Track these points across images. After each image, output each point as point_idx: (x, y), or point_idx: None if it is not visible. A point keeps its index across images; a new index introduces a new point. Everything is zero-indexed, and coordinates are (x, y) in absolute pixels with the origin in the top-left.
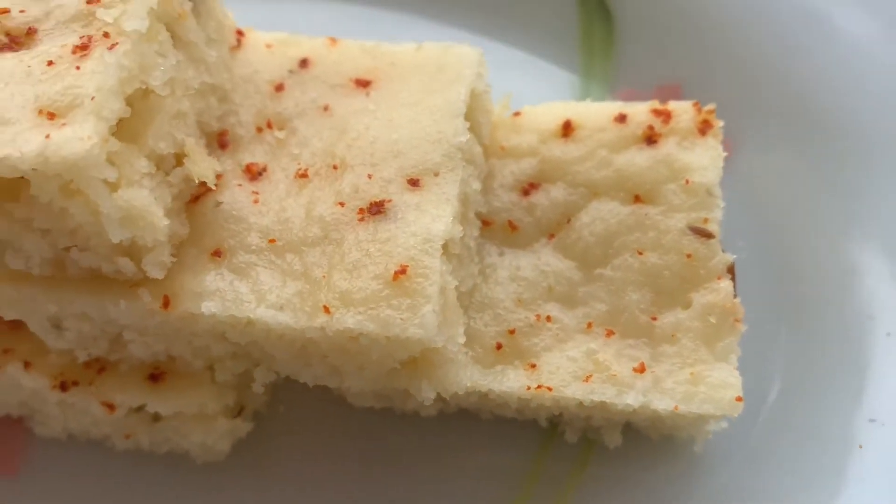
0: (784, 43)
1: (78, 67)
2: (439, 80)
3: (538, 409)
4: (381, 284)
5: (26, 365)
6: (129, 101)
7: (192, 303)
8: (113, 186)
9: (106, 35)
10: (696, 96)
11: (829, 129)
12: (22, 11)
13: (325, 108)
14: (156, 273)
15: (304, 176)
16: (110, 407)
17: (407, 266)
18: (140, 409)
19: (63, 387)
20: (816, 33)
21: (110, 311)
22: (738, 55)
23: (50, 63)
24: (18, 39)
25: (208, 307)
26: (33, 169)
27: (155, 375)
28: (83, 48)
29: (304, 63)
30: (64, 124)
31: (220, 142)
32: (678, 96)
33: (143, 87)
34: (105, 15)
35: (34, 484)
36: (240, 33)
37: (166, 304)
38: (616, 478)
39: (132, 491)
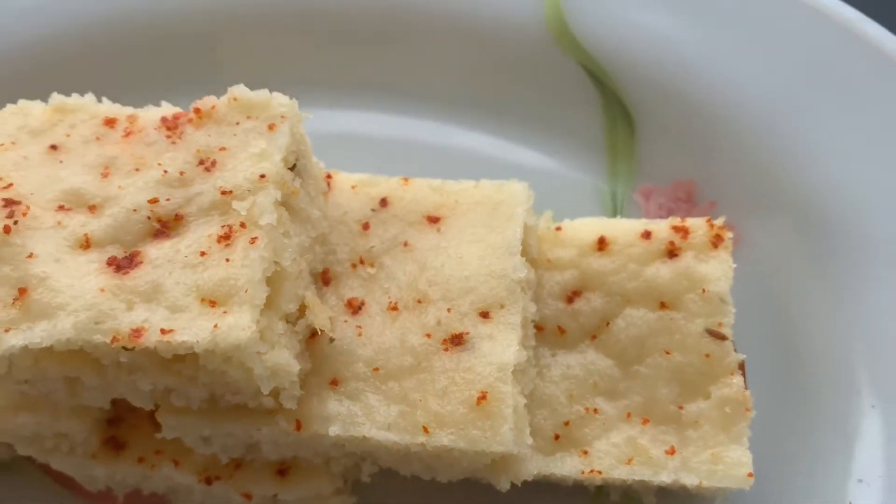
0: (790, 144)
1: (228, 260)
2: (496, 217)
3: (590, 482)
4: (467, 409)
5: (175, 463)
6: (267, 281)
7: (319, 426)
8: (262, 353)
9: (243, 225)
10: (707, 189)
11: (832, 226)
12: (168, 200)
13: (405, 245)
14: (290, 405)
15: (394, 309)
16: (248, 496)
17: (486, 392)
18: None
19: (208, 481)
20: (821, 136)
21: (253, 435)
22: (745, 155)
23: (202, 253)
24: (168, 225)
25: (333, 430)
26: (205, 350)
27: (282, 470)
28: (226, 238)
29: (383, 202)
30: (225, 312)
31: (323, 279)
32: (692, 189)
33: (277, 267)
34: (239, 207)
35: None
36: (328, 176)
37: (298, 427)
38: None
39: None
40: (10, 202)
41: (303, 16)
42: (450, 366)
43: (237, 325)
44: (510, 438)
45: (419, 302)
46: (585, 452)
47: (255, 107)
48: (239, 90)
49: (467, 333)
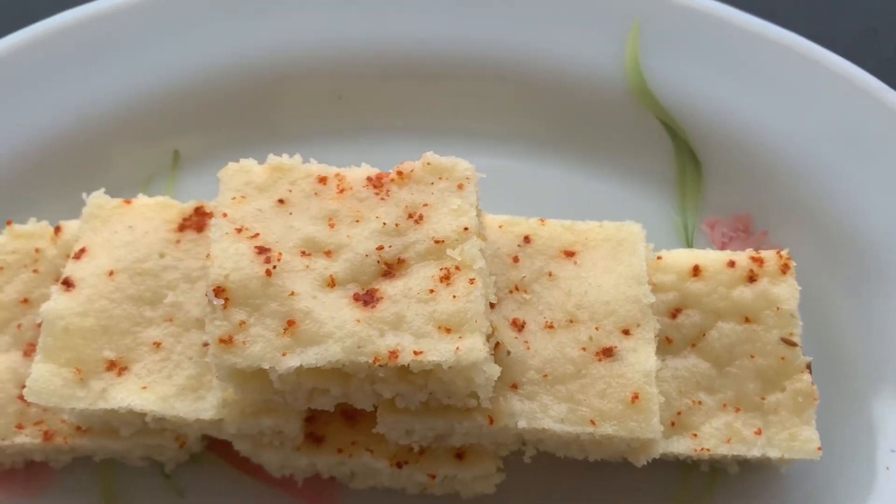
0: (827, 185)
1: (454, 297)
2: (621, 251)
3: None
4: (624, 406)
5: (370, 451)
6: None
7: (508, 420)
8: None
9: (458, 268)
10: (760, 221)
11: (862, 250)
12: (390, 247)
13: (550, 275)
14: (486, 404)
15: (551, 327)
16: (432, 476)
17: (638, 393)
18: None
19: (398, 465)
20: (850, 179)
21: (455, 427)
22: (791, 193)
23: (431, 291)
24: (393, 267)
25: (521, 423)
26: (450, 367)
27: (460, 454)
28: (447, 278)
29: (526, 239)
30: (460, 337)
31: (491, 305)
32: (748, 221)
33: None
34: (453, 254)
35: None
36: None
37: (490, 421)
38: (734, 491)
39: None
40: (262, 249)
41: (408, 63)
42: (605, 373)
43: (474, 348)
44: (657, 428)
45: (571, 322)
46: (695, 435)
47: (445, 170)
48: (431, 157)
49: (615, 347)
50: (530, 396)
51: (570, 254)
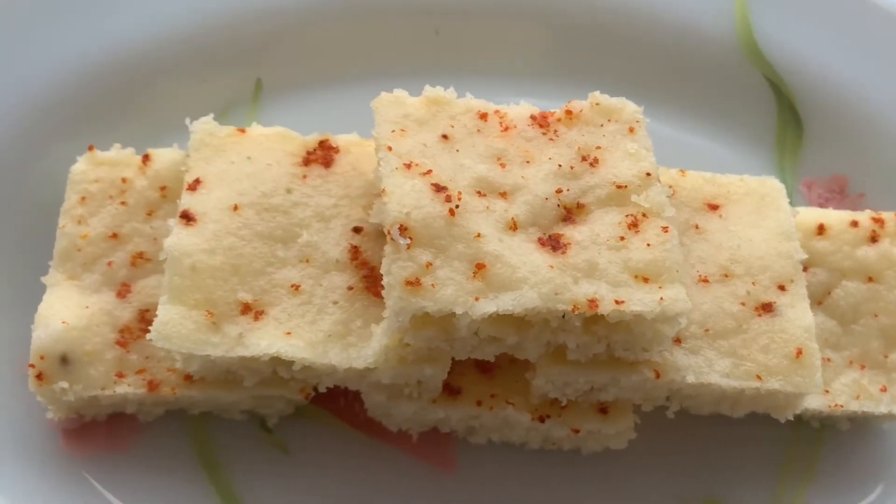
0: None
1: (648, 245)
2: (765, 206)
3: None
4: (789, 361)
5: (512, 405)
6: None
7: (675, 374)
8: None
9: (645, 215)
10: (857, 183)
11: None
12: (568, 190)
13: (697, 228)
14: (656, 357)
15: (705, 281)
16: (576, 431)
17: (801, 349)
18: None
19: (542, 419)
20: None
21: (619, 382)
22: (889, 157)
23: (621, 238)
24: (573, 212)
25: (689, 378)
26: (653, 318)
27: (603, 408)
28: (634, 226)
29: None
30: (660, 287)
31: None
32: (845, 183)
33: None
34: (639, 200)
35: (468, 478)
36: None
37: (657, 375)
38: (843, 447)
39: (543, 477)
40: (439, 187)
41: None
42: (766, 328)
43: (677, 298)
44: (820, 383)
45: (725, 276)
46: (827, 392)
47: (613, 111)
48: (599, 97)
49: (774, 303)
50: (694, 351)
51: (713, 207)
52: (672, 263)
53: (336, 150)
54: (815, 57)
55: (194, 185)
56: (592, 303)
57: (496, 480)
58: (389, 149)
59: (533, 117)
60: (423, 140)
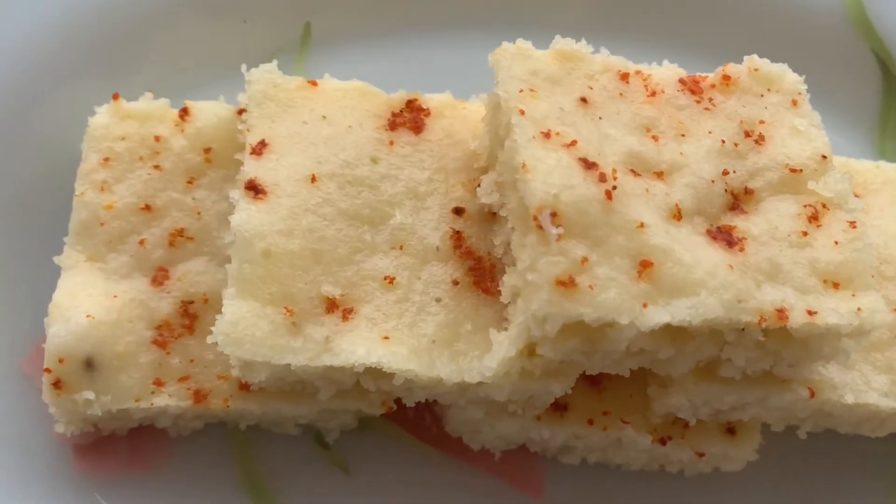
0: None
1: (837, 243)
2: None
3: None
4: None
5: (628, 423)
6: None
7: (831, 393)
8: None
9: (825, 206)
10: None
11: None
12: (734, 172)
13: None
14: (811, 373)
15: None
16: (700, 455)
17: None
18: None
19: (662, 441)
20: None
21: (769, 401)
22: None
23: (804, 234)
24: (739, 198)
25: (848, 398)
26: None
27: (731, 429)
28: (815, 218)
29: None
30: (853, 295)
31: None
32: None
33: None
34: (817, 188)
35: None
36: None
37: (812, 394)
38: None
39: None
40: (588, 164)
41: None
42: None
43: (876, 308)
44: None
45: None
46: None
47: (773, 80)
48: (757, 61)
49: None
50: (849, 366)
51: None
52: (866, 267)
53: (427, 112)
54: None
55: (259, 149)
56: (781, 313)
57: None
58: (522, 112)
59: (682, 81)
60: (560, 103)
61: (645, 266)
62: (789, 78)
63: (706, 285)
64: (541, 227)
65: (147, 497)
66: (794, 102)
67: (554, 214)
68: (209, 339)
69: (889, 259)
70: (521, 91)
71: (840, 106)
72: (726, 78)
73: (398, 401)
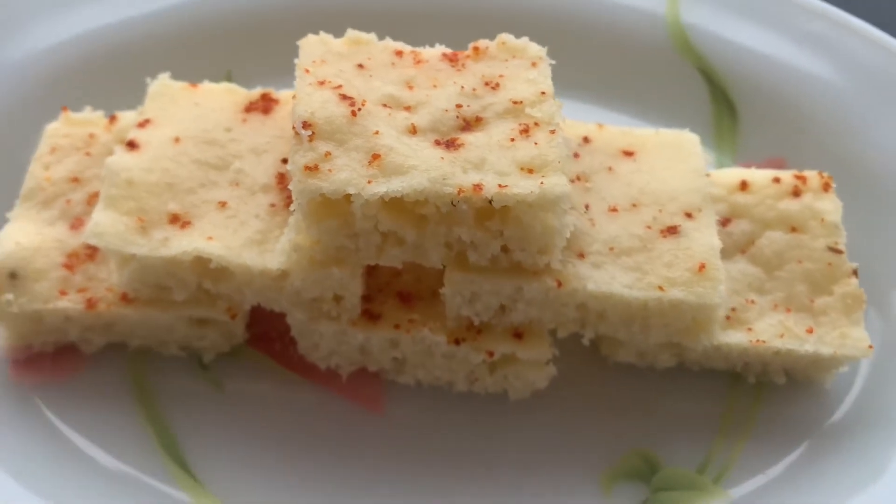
0: (852, 128)
1: (536, 143)
2: (680, 153)
3: (738, 359)
4: (691, 274)
5: (428, 328)
6: None
7: (577, 283)
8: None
9: (537, 124)
10: (792, 164)
11: (879, 186)
12: (469, 106)
13: (610, 169)
14: (556, 265)
15: (614, 210)
16: (490, 354)
17: (704, 263)
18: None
19: (457, 342)
20: (871, 122)
21: (524, 290)
22: (822, 137)
23: (512, 140)
24: (471, 123)
25: (590, 286)
26: (529, 203)
27: (518, 334)
28: (526, 131)
29: (586, 139)
30: (543, 176)
31: None
32: (782, 164)
33: None
34: (532, 111)
35: (397, 420)
36: None
37: (559, 284)
38: (781, 404)
39: (470, 421)
40: (346, 97)
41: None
42: (670, 247)
43: (557, 183)
44: (724, 294)
45: (634, 206)
46: (750, 329)
47: (518, 49)
48: (506, 37)
49: (679, 226)
50: (597, 265)
51: (629, 153)
52: (555, 156)
53: (276, 101)
54: (743, 44)
55: (143, 123)
56: (477, 187)
57: (423, 422)
58: (307, 71)
59: (444, 55)
60: (340, 67)
61: (375, 158)
62: (532, 48)
63: (418, 168)
64: (297, 133)
65: (69, 400)
66: (534, 64)
67: (306, 124)
68: (82, 238)
69: (648, 192)
70: (314, 62)
71: (678, 118)
72: (476, 48)
73: (266, 331)
